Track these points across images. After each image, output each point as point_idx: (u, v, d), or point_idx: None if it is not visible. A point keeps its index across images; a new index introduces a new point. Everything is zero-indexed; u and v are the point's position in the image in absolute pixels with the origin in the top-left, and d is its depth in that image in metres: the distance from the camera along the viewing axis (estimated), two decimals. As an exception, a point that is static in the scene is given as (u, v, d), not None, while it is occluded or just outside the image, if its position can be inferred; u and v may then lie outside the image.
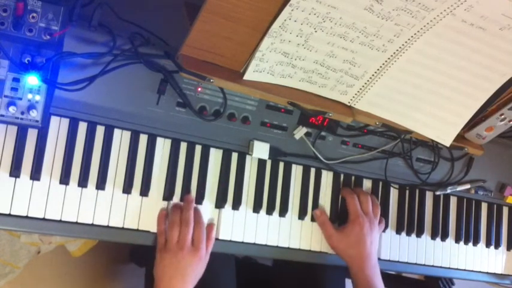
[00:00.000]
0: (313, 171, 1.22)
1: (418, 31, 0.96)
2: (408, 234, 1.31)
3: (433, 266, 1.35)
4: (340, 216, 1.23)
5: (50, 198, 0.96)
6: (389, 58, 1.02)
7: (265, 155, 1.14)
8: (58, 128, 0.97)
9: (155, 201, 1.05)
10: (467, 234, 1.40)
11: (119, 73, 0.97)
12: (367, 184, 1.28)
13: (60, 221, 0.96)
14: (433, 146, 1.30)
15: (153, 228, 1.04)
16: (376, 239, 1.19)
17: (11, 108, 0.87)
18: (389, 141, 1.26)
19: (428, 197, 1.36)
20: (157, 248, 1.04)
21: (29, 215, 0.94)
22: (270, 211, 1.15)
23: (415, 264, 1.32)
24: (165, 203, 1.06)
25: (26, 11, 0.86)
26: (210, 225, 1.09)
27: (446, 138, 1.17)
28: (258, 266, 1.63)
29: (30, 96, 0.89)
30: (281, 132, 1.16)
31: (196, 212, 1.07)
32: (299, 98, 1.05)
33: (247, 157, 1.14)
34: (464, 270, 1.39)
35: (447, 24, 0.94)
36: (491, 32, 0.96)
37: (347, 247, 1.16)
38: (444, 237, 1.36)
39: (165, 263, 1.02)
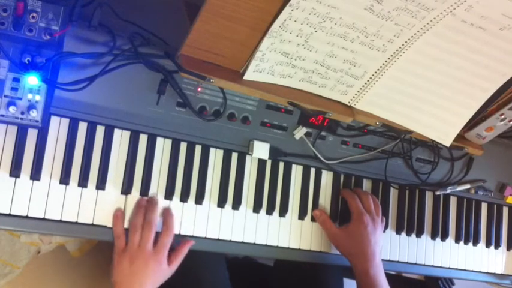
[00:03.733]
0: (313, 171, 1.22)
1: (418, 31, 0.96)
2: (408, 234, 1.31)
3: (433, 266, 1.35)
4: (340, 217, 1.23)
5: (50, 198, 0.96)
6: (389, 58, 1.02)
7: (265, 155, 1.14)
8: (58, 128, 0.97)
9: (155, 201, 1.05)
10: (467, 234, 1.40)
11: (118, 73, 0.97)
12: (367, 184, 1.28)
13: (60, 221, 0.96)
14: (433, 146, 1.30)
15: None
16: (379, 237, 1.18)
17: (11, 108, 0.87)
18: (389, 141, 1.26)
19: (428, 197, 1.36)
20: (114, 251, 0.98)
21: (29, 215, 0.94)
22: (270, 211, 1.15)
23: (415, 264, 1.32)
24: (166, 202, 1.05)
25: (26, 11, 0.86)
26: (187, 241, 1.04)
27: (446, 138, 1.17)
28: (258, 266, 1.63)
29: (30, 96, 0.89)
30: (281, 132, 1.16)
31: (169, 217, 1.02)
32: (299, 98, 1.05)
33: (247, 157, 1.14)
34: (464, 270, 1.39)
35: (447, 24, 0.94)
36: (491, 32, 0.96)
37: (350, 246, 1.16)
38: (444, 237, 1.36)
39: (123, 267, 0.97)
